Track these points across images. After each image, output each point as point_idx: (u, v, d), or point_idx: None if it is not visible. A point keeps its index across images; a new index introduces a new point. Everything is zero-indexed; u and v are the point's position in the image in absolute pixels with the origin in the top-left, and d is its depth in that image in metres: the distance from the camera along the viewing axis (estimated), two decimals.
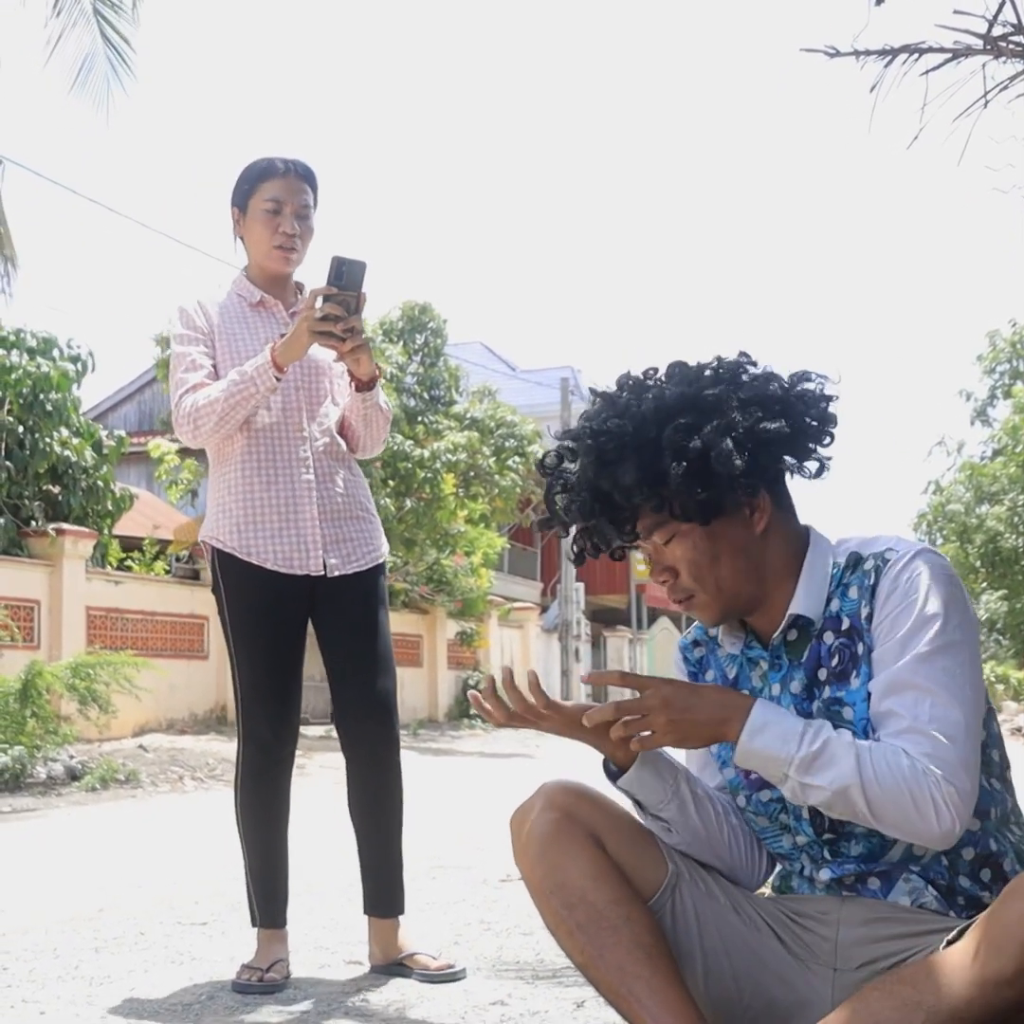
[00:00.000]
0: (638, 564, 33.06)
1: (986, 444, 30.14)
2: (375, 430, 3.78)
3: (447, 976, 3.54)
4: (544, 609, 31.61)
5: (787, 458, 2.15)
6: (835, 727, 2.04)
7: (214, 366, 3.71)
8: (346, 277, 3.46)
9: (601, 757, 2.30)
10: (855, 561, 2.15)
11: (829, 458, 2.18)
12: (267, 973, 3.54)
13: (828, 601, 2.15)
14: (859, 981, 2.07)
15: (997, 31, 3.56)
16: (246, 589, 3.69)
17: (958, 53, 3.63)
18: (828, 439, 2.17)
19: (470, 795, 10.48)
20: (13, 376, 15.30)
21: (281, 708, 3.70)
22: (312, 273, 3.87)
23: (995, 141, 3.78)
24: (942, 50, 3.64)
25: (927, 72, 3.65)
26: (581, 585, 30.28)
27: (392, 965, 3.65)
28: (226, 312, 3.78)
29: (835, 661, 2.11)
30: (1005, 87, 3.69)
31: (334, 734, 3.84)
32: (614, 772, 2.27)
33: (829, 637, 2.14)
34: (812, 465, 2.17)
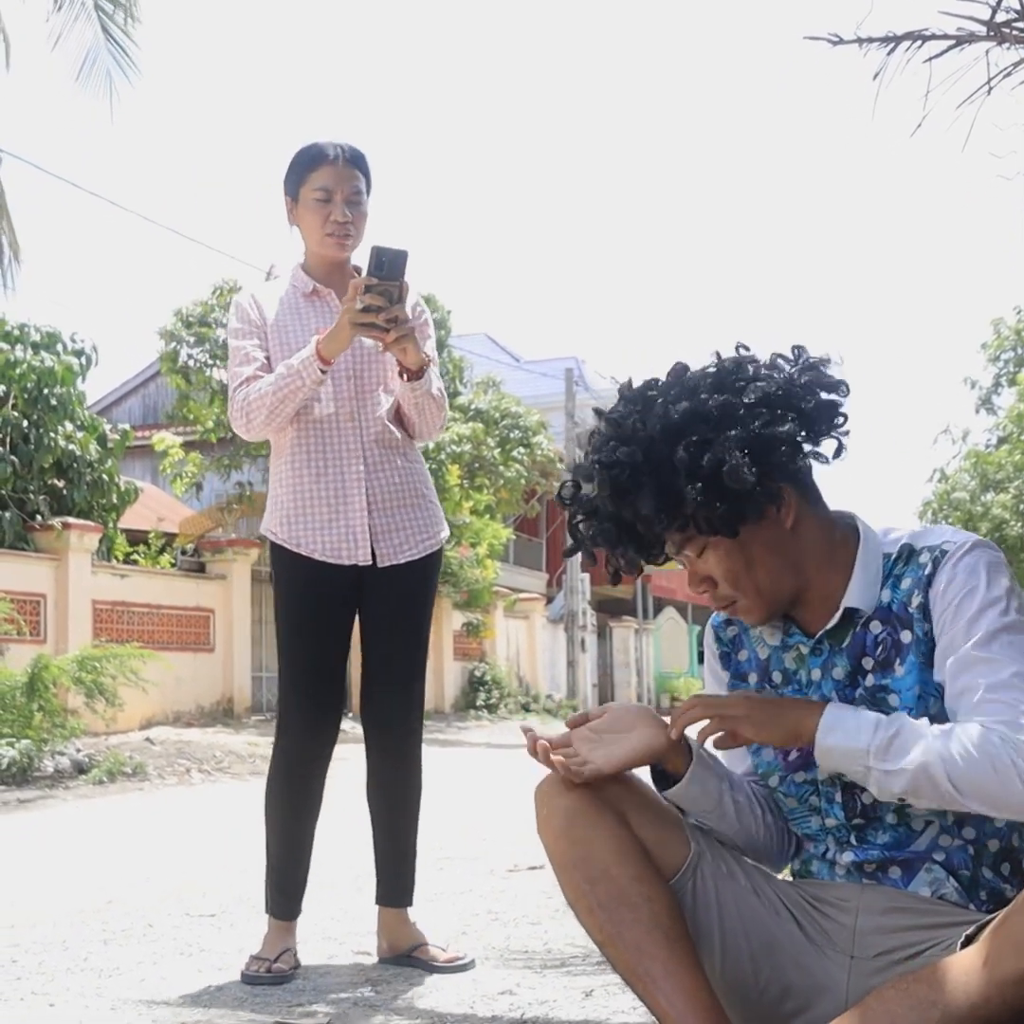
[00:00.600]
0: None
1: (991, 432, 30.06)
2: (429, 416, 3.73)
3: (455, 966, 3.55)
4: (550, 600, 31.62)
5: (804, 449, 2.12)
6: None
7: (267, 359, 3.71)
8: (387, 267, 3.44)
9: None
10: (908, 553, 2.14)
11: (846, 434, 2.14)
12: (275, 963, 3.55)
13: (881, 591, 2.15)
14: (875, 969, 2.07)
15: (1000, 17, 3.55)
16: (296, 581, 3.70)
17: (961, 40, 3.62)
18: (842, 420, 2.14)
19: (477, 786, 10.48)
20: (17, 370, 15.32)
21: (319, 706, 3.70)
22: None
23: (999, 128, 3.77)
24: (945, 37, 3.63)
25: (930, 59, 3.64)
26: (587, 576, 30.26)
27: (401, 956, 3.66)
28: (282, 305, 3.78)
29: (879, 650, 2.12)
30: (1008, 73, 3.68)
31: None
32: (663, 775, 2.27)
33: (876, 626, 2.13)
34: (830, 446, 2.14)
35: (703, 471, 2.01)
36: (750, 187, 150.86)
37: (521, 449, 21.73)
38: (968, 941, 1.83)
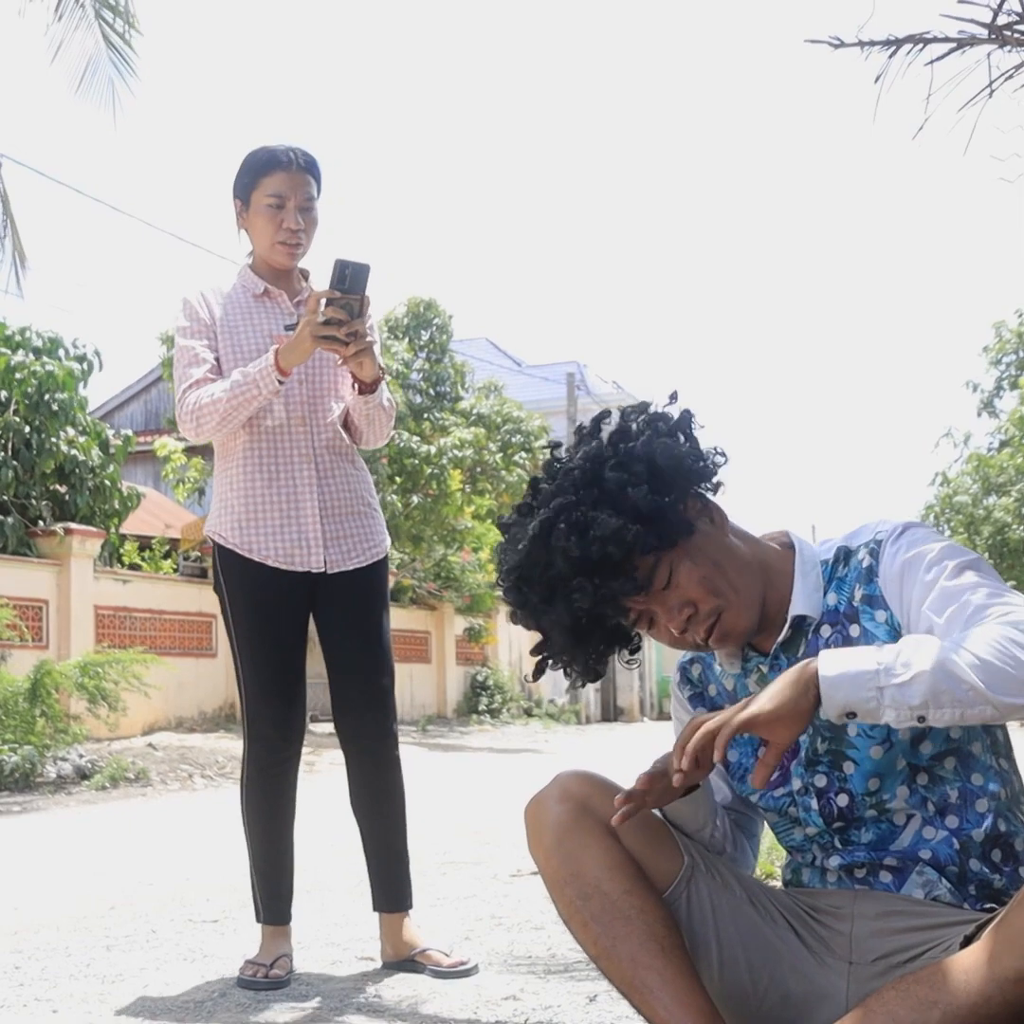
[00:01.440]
0: None
1: (993, 435, 30.08)
2: (378, 427, 3.77)
3: (459, 972, 3.54)
4: None
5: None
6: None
7: (217, 359, 3.71)
8: (349, 280, 3.44)
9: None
10: (845, 554, 2.17)
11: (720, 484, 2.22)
12: (271, 969, 3.54)
13: (824, 595, 2.16)
14: (874, 974, 2.07)
15: (1002, 20, 3.54)
16: (247, 586, 3.69)
17: (963, 42, 3.61)
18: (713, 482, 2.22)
19: (479, 791, 10.48)
20: (19, 376, 15.32)
21: (285, 706, 3.71)
22: (317, 262, 3.88)
23: (1001, 131, 3.76)
24: (947, 40, 3.62)
25: (932, 62, 3.64)
26: None
27: (404, 961, 3.65)
28: (230, 303, 3.77)
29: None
30: (1010, 76, 3.68)
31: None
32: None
33: (826, 630, 2.15)
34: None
35: (635, 481, 2.08)
36: (752, 190, 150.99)
37: (523, 454, 21.70)
38: (967, 941, 1.83)
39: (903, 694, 1.82)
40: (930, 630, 1.98)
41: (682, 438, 2.18)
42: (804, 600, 2.15)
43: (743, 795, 2.32)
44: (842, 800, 2.12)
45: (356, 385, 3.65)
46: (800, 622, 2.16)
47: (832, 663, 1.87)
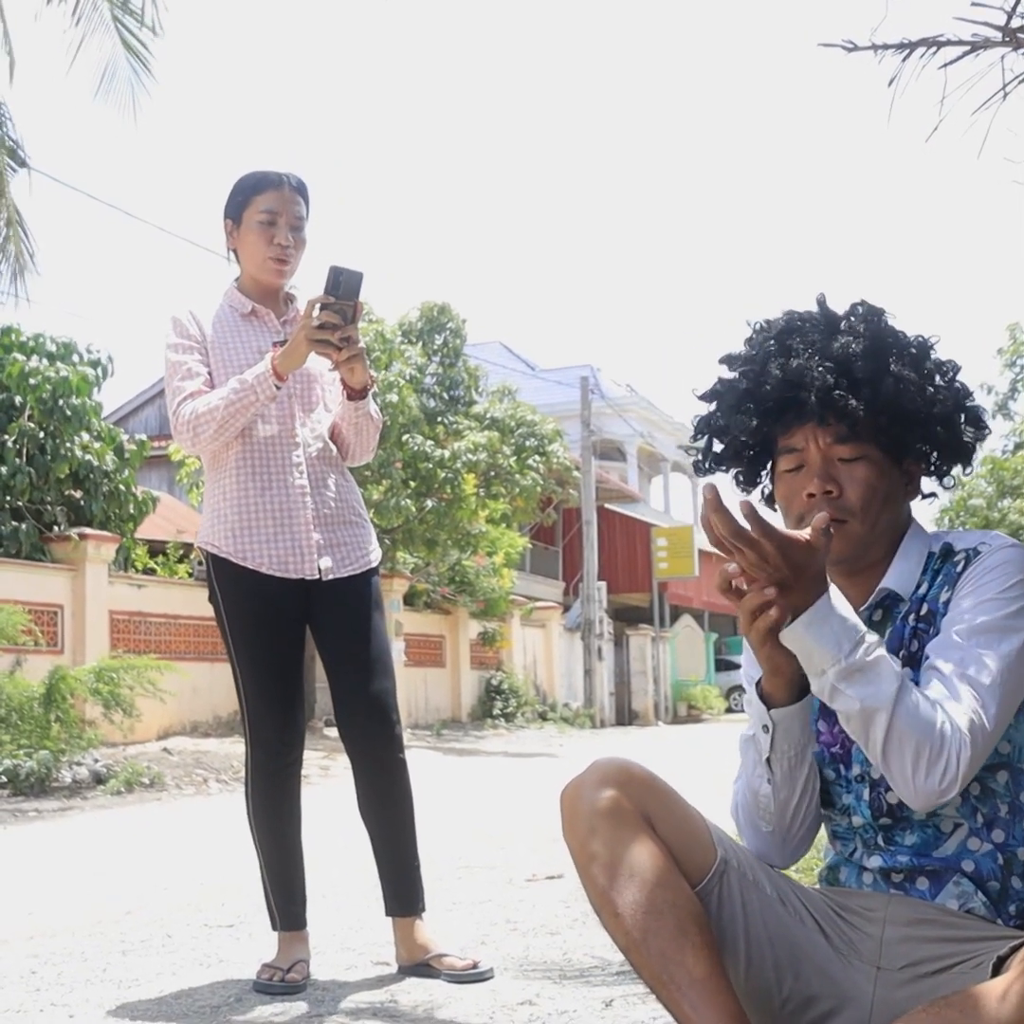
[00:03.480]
0: (659, 562, 33.07)
1: (1007, 438, 29.99)
2: (365, 438, 3.81)
3: (474, 976, 3.54)
4: (566, 608, 31.60)
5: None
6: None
7: (209, 374, 3.74)
8: (343, 286, 3.49)
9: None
10: (947, 551, 2.18)
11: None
12: (288, 973, 3.55)
13: (918, 585, 2.17)
14: (901, 981, 2.05)
15: (1016, 23, 3.54)
16: (242, 594, 3.72)
17: (977, 46, 3.61)
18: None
19: (494, 795, 10.48)
20: (33, 381, 15.35)
21: (285, 712, 3.73)
22: (305, 283, 3.92)
23: (1014, 133, 3.76)
24: (960, 43, 3.62)
25: (945, 65, 3.63)
26: (603, 584, 30.25)
27: (419, 966, 3.65)
28: (218, 322, 3.82)
29: (914, 645, 2.13)
30: None
31: None
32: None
33: (912, 620, 2.16)
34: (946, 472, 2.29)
35: (950, 390, 2.19)
36: (766, 193, 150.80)
37: (537, 457, 21.67)
38: (1000, 962, 1.82)
39: (832, 694, 1.97)
40: (939, 649, 2.04)
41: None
42: (896, 577, 2.17)
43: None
44: (893, 797, 2.10)
45: (345, 391, 3.70)
46: (891, 603, 2.18)
47: (813, 622, 1.95)
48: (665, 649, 33.58)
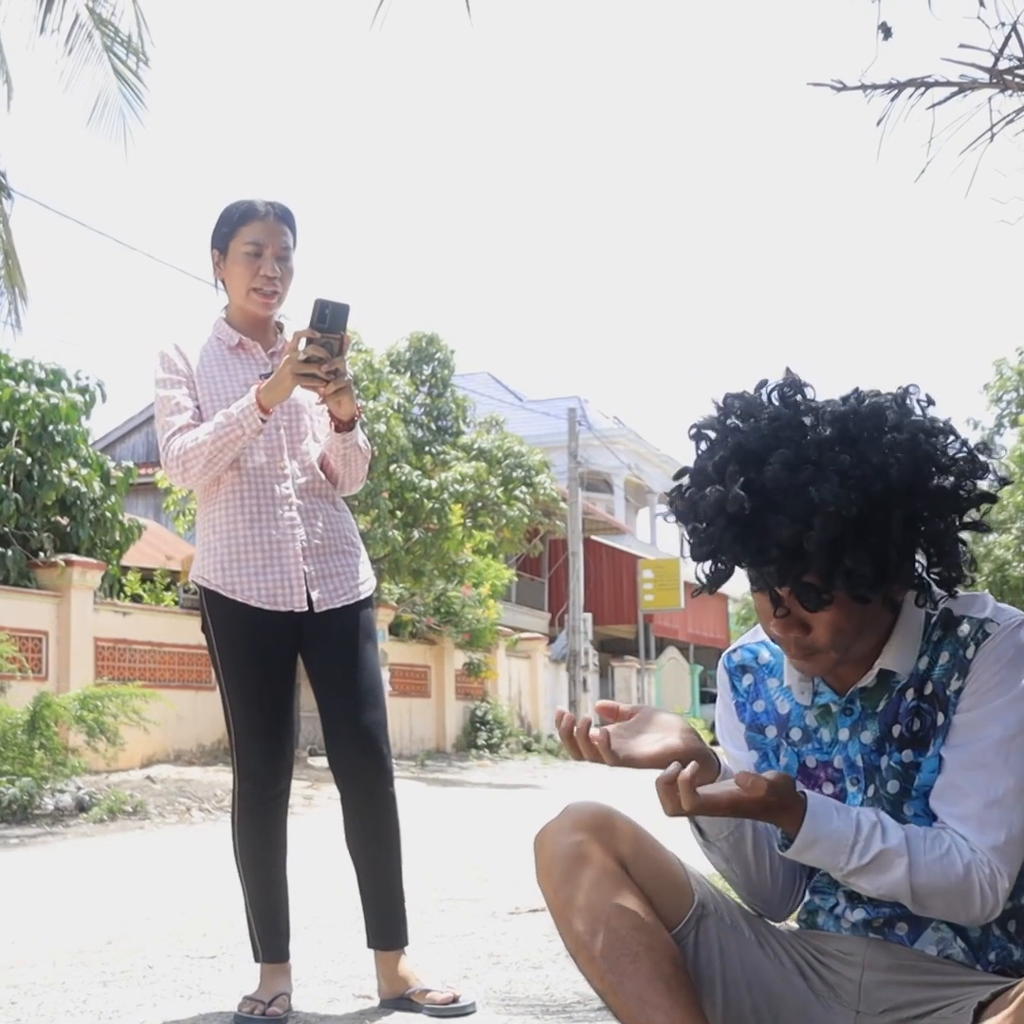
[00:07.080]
0: (645, 594, 33.07)
1: (993, 473, 30.07)
2: (354, 469, 3.81)
3: (456, 1010, 3.52)
4: (552, 639, 31.55)
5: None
6: (901, 793, 2.06)
7: (197, 408, 3.75)
8: (329, 319, 3.49)
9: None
10: (948, 620, 2.08)
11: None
12: (269, 1006, 3.53)
13: (918, 657, 2.09)
14: None
15: (1003, 64, 3.57)
16: (233, 627, 3.71)
17: (964, 86, 3.64)
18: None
19: (478, 826, 10.44)
20: (22, 407, 15.32)
21: (274, 744, 3.72)
22: (292, 312, 3.93)
23: (1001, 173, 3.79)
24: (948, 84, 3.66)
25: (933, 105, 3.67)
26: (589, 615, 30.21)
27: (401, 999, 3.64)
28: (206, 355, 3.82)
29: (916, 725, 2.08)
30: (1011, 120, 3.71)
31: None
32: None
33: (910, 695, 2.09)
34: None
35: (918, 538, 1.98)
36: (756, 231, 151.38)
37: (524, 488, 21.68)
38: (981, 1008, 1.81)
39: (857, 884, 2.02)
40: (959, 766, 2.01)
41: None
42: (896, 656, 2.08)
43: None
44: None
45: (333, 423, 3.70)
46: (887, 677, 2.11)
47: (806, 848, 1.99)
48: (650, 681, 33.54)
